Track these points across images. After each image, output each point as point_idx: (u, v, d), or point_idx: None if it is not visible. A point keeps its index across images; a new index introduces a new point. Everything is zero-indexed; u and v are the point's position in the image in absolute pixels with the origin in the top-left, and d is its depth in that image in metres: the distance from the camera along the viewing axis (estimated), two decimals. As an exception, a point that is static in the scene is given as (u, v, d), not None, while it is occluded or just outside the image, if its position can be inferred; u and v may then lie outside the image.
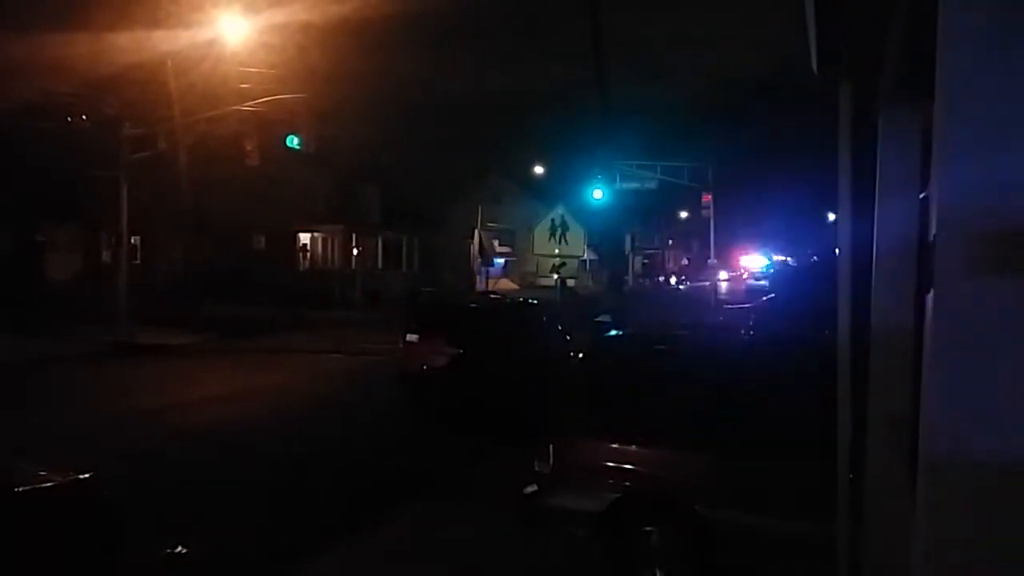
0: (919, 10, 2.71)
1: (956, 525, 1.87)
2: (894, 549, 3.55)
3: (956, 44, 1.84)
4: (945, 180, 1.85)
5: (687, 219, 65.00)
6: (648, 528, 5.57)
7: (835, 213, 5.70)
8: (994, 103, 1.80)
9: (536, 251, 11.83)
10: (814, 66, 4.85)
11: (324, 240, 38.60)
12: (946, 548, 1.89)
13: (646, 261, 66.87)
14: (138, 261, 31.62)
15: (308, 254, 37.81)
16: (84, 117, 21.67)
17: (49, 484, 4.80)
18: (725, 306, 36.29)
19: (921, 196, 4.21)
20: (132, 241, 27.40)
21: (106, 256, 33.14)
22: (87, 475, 5.03)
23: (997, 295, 1.79)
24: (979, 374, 1.82)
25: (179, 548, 4.76)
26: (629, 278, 45.56)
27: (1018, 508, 1.81)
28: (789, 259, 69.12)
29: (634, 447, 5.83)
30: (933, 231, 1.89)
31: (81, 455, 7.02)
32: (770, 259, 74.14)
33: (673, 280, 64.93)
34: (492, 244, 51.37)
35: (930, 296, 1.89)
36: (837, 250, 5.61)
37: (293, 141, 23.53)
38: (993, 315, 1.80)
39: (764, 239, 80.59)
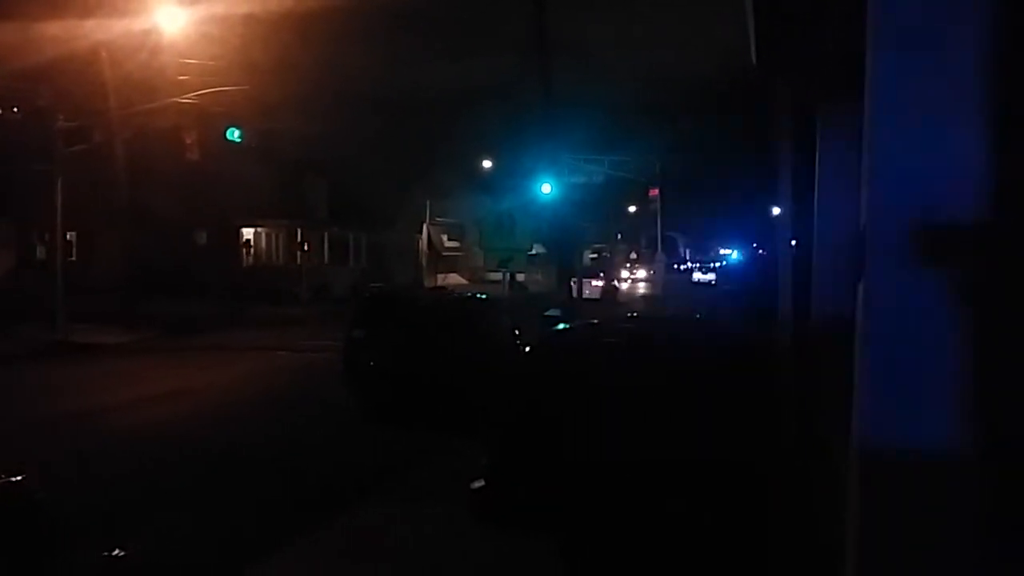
0: (851, 10, 2.77)
1: (886, 511, 1.92)
2: (836, 534, 3.64)
3: (883, 42, 1.88)
4: (874, 173, 1.90)
5: (635, 213, 65.49)
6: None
7: (778, 207, 5.81)
8: (920, 99, 1.84)
9: (484, 245, 11.80)
10: (754, 64, 4.95)
11: (268, 235, 37.92)
12: (876, 534, 1.93)
13: (594, 256, 67.24)
14: (74, 258, 30.67)
15: (252, 250, 37.12)
16: (15, 109, 20.91)
17: (-22, 488, 4.62)
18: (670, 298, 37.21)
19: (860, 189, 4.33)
20: (68, 237, 26.57)
21: (41, 253, 32.07)
22: (19, 477, 4.87)
23: (925, 285, 1.84)
24: (907, 363, 1.87)
25: (116, 551, 4.63)
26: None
27: (946, 495, 1.86)
28: (734, 252, 70.18)
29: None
30: (863, 223, 1.93)
31: (12, 458, 6.77)
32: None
33: (623, 274, 65.35)
34: (441, 239, 51.15)
35: (860, 287, 1.94)
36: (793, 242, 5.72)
37: (234, 134, 23.03)
38: (921, 305, 1.85)
39: (710, 233, 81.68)
